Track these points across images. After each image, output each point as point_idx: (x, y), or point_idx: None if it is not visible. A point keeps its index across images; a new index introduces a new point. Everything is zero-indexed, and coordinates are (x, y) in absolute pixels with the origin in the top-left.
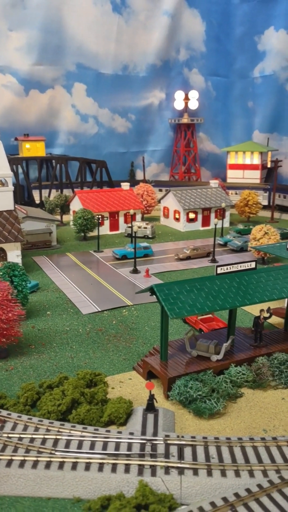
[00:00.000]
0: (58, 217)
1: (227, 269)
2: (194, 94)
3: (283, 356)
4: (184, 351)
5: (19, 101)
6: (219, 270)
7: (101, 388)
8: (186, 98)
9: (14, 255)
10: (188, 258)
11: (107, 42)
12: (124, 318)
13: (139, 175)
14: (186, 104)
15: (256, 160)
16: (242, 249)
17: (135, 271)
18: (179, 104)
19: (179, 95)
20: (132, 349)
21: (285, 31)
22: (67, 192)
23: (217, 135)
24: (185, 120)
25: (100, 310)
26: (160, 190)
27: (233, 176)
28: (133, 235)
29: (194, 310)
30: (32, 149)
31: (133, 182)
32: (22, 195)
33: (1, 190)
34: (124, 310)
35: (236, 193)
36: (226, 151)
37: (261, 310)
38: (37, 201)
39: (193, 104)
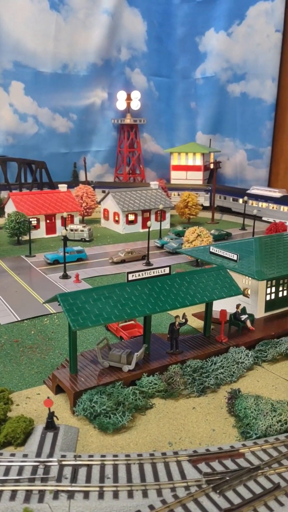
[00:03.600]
0: None
1: (139, 275)
2: (136, 95)
3: (197, 363)
4: (97, 362)
5: None
6: (130, 277)
7: (0, 407)
8: (129, 98)
9: None
10: (123, 261)
11: (45, 40)
12: (44, 327)
13: (82, 176)
14: (129, 104)
15: (199, 161)
16: (177, 251)
17: (65, 276)
18: (121, 104)
19: (121, 95)
20: (47, 361)
21: (225, 33)
22: (5, 194)
23: (161, 136)
24: (128, 120)
25: (19, 319)
26: (103, 192)
27: (176, 177)
28: (62, 239)
29: (100, 320)
30: None
31: (76, 184)
32: None
33: None
34: (45, 319)
35: (178, 194)
36: (170, 152)
37: (176, 316)
38: None
39: (135, 105)
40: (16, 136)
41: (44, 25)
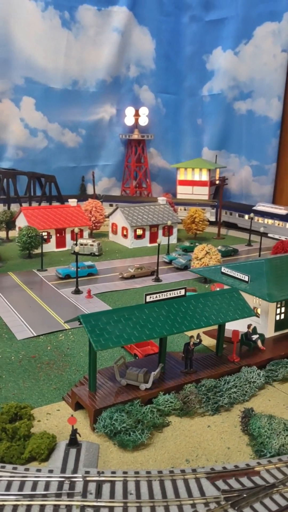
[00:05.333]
0: (1, 234)
1: (156, 297)
2: (144, 111)
3: (211, 382)
4: (115, 380)
5: None
6: (148, 299)
7: (24, 423)
8: (137, 115)
9: None
10: (132, 277)
11: (56, 57)
12: (60, 343)
13: (90, 190)
14: (137, 120)
15: (205, 176)
16: (186, 267)
17: (77, 291)
18: (129, 120)
19: (129, 111)
20: (64, 378)
21: (232, 52)
22: (15, 207)
23: (168, 151)
24: (136, 136)
25: (36, 335)
26: (111, 205)
27: (182, 192)
28: (73, 253)
29: (121, 341)
30: None
31: (84, 197)
32: None
33: None
34: (60, 335)
35: (185, 209)
36: (176, 167)
37: (191, 337)
38: None
39: (143, 121)
40: (26, 150)
41: (55, 42)
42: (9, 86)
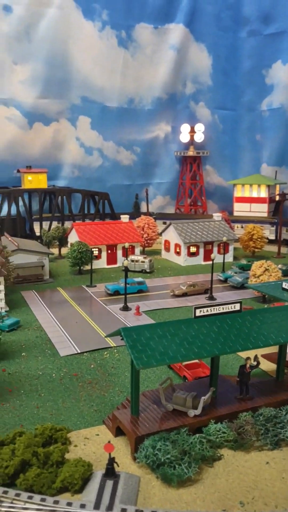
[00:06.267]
0: (54, 250)
1: (207, 311)
2: (200, 127)
3: (270, 411)
4: (160, 403)
5: (22, 134)
6: (198, 313)
7: (57, 448)
8: (192, 131)
9: None
10: (185, 294)
11: (113, 76)
12: (104, 361)
13: (143, 208)
14: (192, 137)
15: (263, 193)
16: (242, 286)
17: (126, 308)
18: (184, 137)
19: (185, 128)
20: (107, 399)
21: None
22: (69, 224)
23: (224, 168)
24: (191, 152)
25: (79, 352)
26: (165, 223)
27: (240, 209)
28: (123, 269)
29: (165, 359)
30: (34, 181)
31: (138, 214)
32: (23, 227)
33: None
34: (105, 353)
35: (242, 227)
36: (233, 184)
37: (247, 358)
38: (38, 234)
39: (199, 137)
40: (82, 168)
41: (112, 61)
42: (66, 106)
